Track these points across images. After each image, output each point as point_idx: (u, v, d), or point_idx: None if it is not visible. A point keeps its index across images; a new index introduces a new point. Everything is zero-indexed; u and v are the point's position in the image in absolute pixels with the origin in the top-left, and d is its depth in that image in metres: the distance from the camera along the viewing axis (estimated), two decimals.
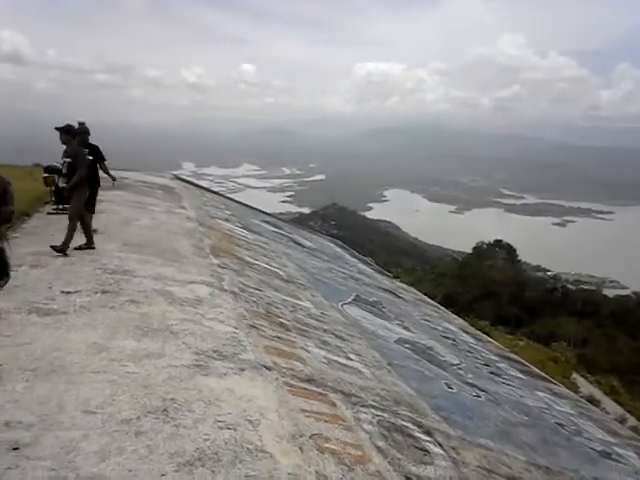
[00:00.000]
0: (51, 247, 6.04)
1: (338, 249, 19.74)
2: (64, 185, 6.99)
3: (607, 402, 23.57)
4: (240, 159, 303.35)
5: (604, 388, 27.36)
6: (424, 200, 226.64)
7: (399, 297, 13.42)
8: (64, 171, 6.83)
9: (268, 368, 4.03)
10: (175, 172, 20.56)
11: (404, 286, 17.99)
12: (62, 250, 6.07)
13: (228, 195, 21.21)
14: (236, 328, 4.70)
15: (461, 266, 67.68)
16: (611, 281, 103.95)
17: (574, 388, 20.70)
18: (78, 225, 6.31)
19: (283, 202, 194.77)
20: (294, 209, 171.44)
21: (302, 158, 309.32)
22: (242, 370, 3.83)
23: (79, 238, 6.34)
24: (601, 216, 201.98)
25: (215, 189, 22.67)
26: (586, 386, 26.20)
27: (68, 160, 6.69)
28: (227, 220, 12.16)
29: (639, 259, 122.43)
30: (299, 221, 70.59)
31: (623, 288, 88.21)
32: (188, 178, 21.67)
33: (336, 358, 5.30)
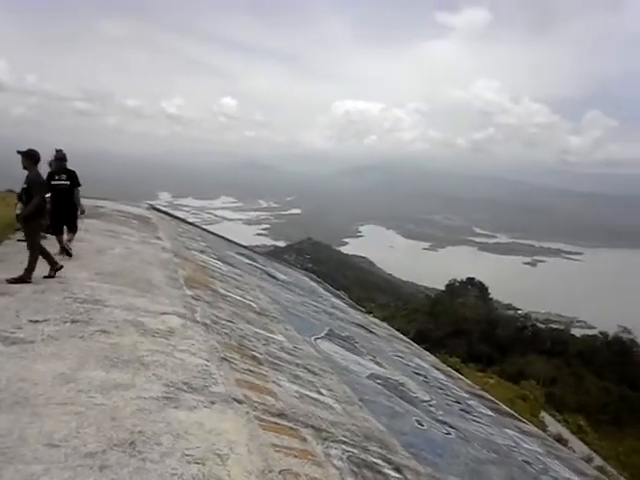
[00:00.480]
0: (7, 281, 5.69)
1: (312, 283, 19.75)
2: (18, 212, 6.89)
3: (574, 441, 23.67)
4: (217, 191, 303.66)
5: (571, 427, 27.52)
6: (399, 236, 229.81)
7: (372, 332, 13.45)
8: (23, 198, 6.67)
9: (239, 402, 4.00)
10: (151, 202, 20.46)
11: (377, 321, 18.05)
12: (22, 280, 5.79)
13: (204, 226, 21.15)
14: (207, 360, 4.66)
15: (434, 303, 68.43)
16: (578, 321, 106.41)
17: (542, 426, 20.78)
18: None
19: (258, 235, 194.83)
20: (269, 242, 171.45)
21: (279, 192, 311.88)
22: (212, 403, 3.79)
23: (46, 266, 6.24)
24: (570, 256, 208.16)
25: (191, 220, 22.57)
26: (554, 425, 26.32)
27: (24, 187, 6.56)
28: (202, 252, 12.10)
29: (606, 300, 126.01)
30: (274, 254, 70.43)
31: (590, 328, 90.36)
32: (164, 208, 21.56)
33: (308, 393, 5.28)
